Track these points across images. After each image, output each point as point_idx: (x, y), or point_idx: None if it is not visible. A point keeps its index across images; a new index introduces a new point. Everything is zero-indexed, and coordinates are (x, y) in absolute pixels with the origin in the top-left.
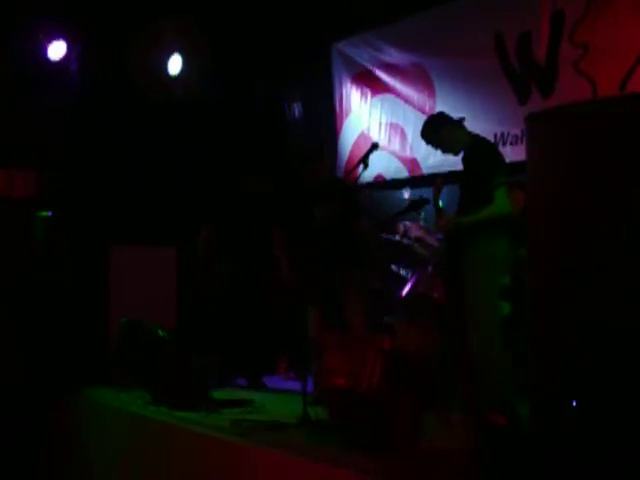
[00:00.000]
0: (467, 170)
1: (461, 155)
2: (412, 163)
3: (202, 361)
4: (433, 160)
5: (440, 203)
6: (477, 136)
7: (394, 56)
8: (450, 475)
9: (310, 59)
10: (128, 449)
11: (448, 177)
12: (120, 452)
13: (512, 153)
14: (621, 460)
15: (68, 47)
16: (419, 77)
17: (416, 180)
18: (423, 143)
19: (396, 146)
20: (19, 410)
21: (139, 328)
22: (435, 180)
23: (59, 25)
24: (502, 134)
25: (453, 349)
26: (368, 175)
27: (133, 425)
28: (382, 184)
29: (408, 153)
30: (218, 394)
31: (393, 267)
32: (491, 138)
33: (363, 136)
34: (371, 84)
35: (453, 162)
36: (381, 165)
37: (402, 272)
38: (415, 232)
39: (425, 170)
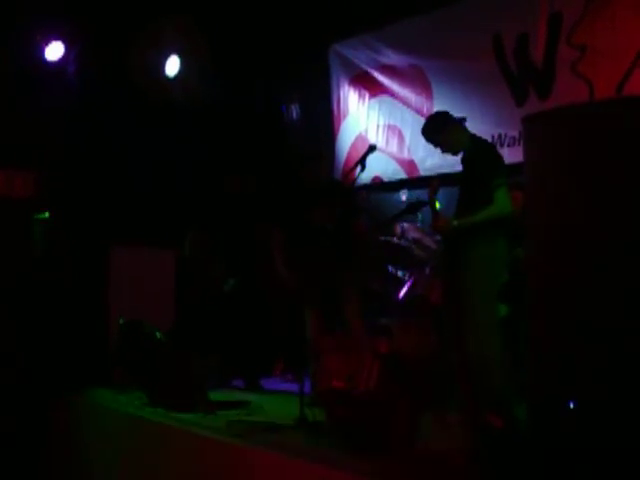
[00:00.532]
0: (466, 171)
1: (460, 156)
2: (409, 165)
3: (200, 362)
4: (431, 162)
5: (437, 204)
6: (477, 137)
7: (392, 58)
8: (448, 476)
9: (308, 60)
10: (126, 450)
11: (445, 179)
12: (119, 453)
13: (510, 155)
14: (620, 461)
15: (66, 48)
16: (417, 79)
17: (413, 182)
18: (421, 145)
19: (394, 148)
20: (19, 410)
21: (138, 329)
22: (431, 181)
23: (57, 26)
24: (500, 136)
25: (450, 350)
26: (365, 177)
27: (131, 426)
28: (379, 186)
29: (406, 155)
30: (215, 395)
31: (390, 269)
32: (489, 140)
33: (361, 138)
34: (369, 86)
35: (451, 164)
36: (379, 167)
37: (399, 274)
38: (412, 234)
39: (423, 172)
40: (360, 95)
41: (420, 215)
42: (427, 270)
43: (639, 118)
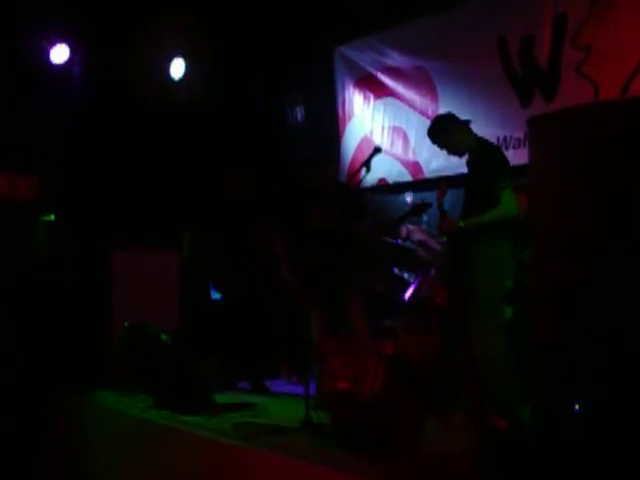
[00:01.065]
0: (471, 173)
1: (465, 158)
2: (414, 167)
3: (205, 364)
4: (436, 164)
5: (444, 206)
6: (483, 139)
7: (397, 60)
8: (452, 479)
9: (313, 62)
10: (129, 452)
11: (450, 181)
12: (121, 455)
13: (515, 157)
14: (624, 462)
15: (71, 50)
16: (422, 81)
17: (418, 184)
18: (426, 147)
19: (399, 150)
20: (19, 410)
21: (142, 331)
22: (440, 183)
23: (62, 29)
24: (505, 138)
25: (456, 352)
26: (371, 179)
27: (135, 428)
28: (385, 188)
29: (411, 157)
30: (221, 398)
31: (396, 271)
32: (494, 141)
33: (366, 140)
34: (374, 88)
35: (456, 166)
36: (384, 169)
37: (405, 276)
38: (418, 236)
39: (427, 174)
40: (365, 97)
41: (425, 217)
42: (432, 272)
43: None
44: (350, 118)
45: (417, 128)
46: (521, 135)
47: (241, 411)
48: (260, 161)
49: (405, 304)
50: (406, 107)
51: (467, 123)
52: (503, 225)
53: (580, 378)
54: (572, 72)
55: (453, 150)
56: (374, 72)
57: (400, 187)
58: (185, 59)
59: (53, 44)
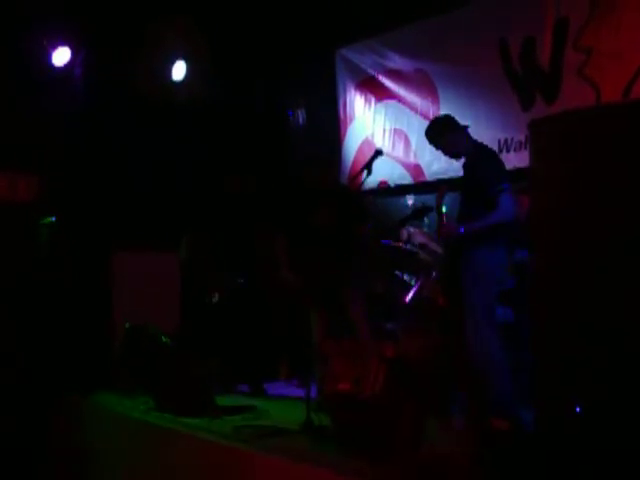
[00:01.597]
0: (468, 177)
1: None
2: (416, 169)
3: (206, 367)
4: (437, 166)
5: (443, 209)
6: (479, 144)
7: (398, 62)
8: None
9: (314, 65)
10: (130, 454)
11: (452, 183)
12: (122, 457)
13: (516, 159)
14: (625, 463)
15: (72, 52)
16: (423, 83)
17: (420, 186)
18: (427, 149)
19: (400, 152)
20: (19, 410)
21: (143, 333)
22: (439, 186)
23: (63, 30)
24: (506, 140)
25: (455, 353)
26: (372, 181)
27: (136, 430)
28: (386, 190)
29: (412, 159)
30: (221, 400)
31: (397, 273)
32: (495, 144)
33: (367, 142)
34: (375, 90)
35: (457, 168)
36: (385, 171)
37: (406, 278)
38: (419, 238)
39: (429, 176)
40: (366, 99)
41: (426, 220)
42: (434, 274)
43: None
44: (351, 120)
45: (418, 131)
46: (522, 138)
47: (242, 414)
48: (260, 161)
49: (406, 306)
50: (407, 110)
51: (465, 128)
52: (499, 228)
53: (580, 378)
54: (573, 74)
55: (449, 151)
56: (375, 74)
57: (401, 190)
58: (186, 60)
59: (54, 46)
